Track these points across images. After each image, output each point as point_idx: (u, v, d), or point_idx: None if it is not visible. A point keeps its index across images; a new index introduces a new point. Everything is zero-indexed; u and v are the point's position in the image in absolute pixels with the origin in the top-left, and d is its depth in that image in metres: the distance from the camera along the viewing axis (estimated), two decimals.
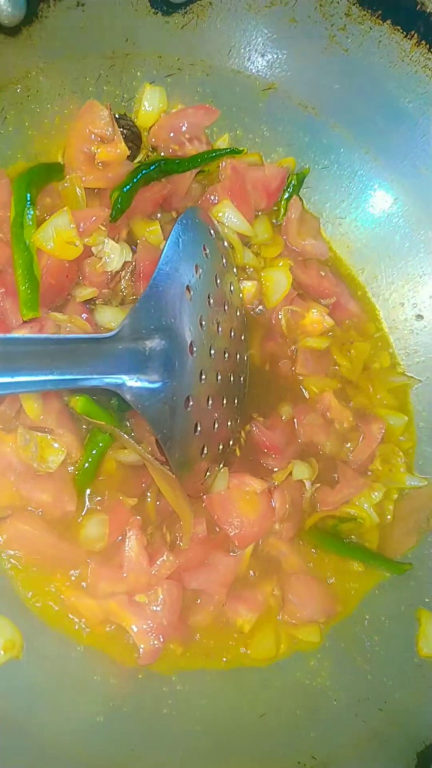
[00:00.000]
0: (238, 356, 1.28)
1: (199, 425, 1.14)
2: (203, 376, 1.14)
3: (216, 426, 1.19)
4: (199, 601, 1.21)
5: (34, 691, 1.02)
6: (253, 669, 1.21)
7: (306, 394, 1.42)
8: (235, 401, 1.28)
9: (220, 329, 1.20)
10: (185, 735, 1.09)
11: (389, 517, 1.41)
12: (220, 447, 1.23)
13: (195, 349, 1.10)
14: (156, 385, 1.03)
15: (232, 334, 1.26)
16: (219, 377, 1.19)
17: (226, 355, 1.23)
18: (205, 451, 1.17)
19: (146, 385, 1.02)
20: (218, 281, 1.21)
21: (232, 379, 1.25)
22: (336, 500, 1.35)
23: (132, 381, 1.01)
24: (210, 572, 1.20)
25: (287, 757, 1.10)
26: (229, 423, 1.25)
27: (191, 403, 1.11)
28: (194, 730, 1.10)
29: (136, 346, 1.02)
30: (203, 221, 1.19)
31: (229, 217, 1.36)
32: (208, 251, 1.18)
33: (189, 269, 1.12)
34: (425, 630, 1.28)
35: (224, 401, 1.22)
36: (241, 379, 1.31)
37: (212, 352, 1.17)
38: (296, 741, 1.13)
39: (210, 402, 1.17)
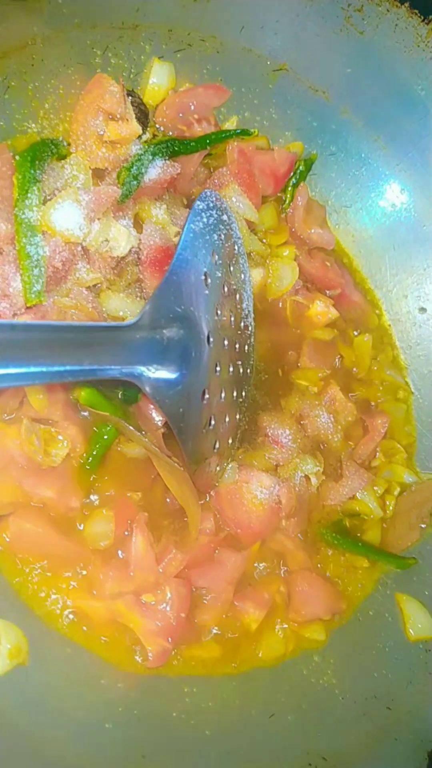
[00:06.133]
0: (246, 347, 1.24)
1: (212, 419, 1.09)
2: (218, 368, 1.09)
3: (227, 419, 1.15)
4: (206, 600, 1.16)
5: (41, 698, 0.97)
6: (261, 669, 1.18)
7: (310, 387, 1.38)
8: (243, 394, 1.23)
9: (233, 319, 1.16)
10: (196, 739, 1.05)
11: (390, 509, 1.39)
12: (230, 441, 1.19)
13: (212, 339, 1.06)
14: (174, 377, 0.98)
15: (242, 324, 1.21)
16: (231, 369, 1.15)
17: (237, 346, 1.18)
18: (217, 446, 1.13)
19: (165, 376, 0.97)
20: (231, 268, 1.16)
21: (241, 371, 1.21)
22: (341, 495, 1.32)
23: (151, 372, 0.95)
24: (217, 570, 1.16)
25: (298, 759, 1.08)
26: (237, 416, 1.21)
27: (207, 395, 1.06)
28: (204, 734, 1.06)
29: (154, 336, 0.97)
30: (218, 205, 1.13)
31: (236, 202, 1.31)
32: (223, 237, 1.13)
33: (206, 255, 1.07)
34: (407, 613, 1.27)
35: (234, 394, 1.18)
36: (248, 371, 1.27)
37: (226, 343, 1.12)
38: (306, 741, 1.10)
39: (223, 395, 1.12)
